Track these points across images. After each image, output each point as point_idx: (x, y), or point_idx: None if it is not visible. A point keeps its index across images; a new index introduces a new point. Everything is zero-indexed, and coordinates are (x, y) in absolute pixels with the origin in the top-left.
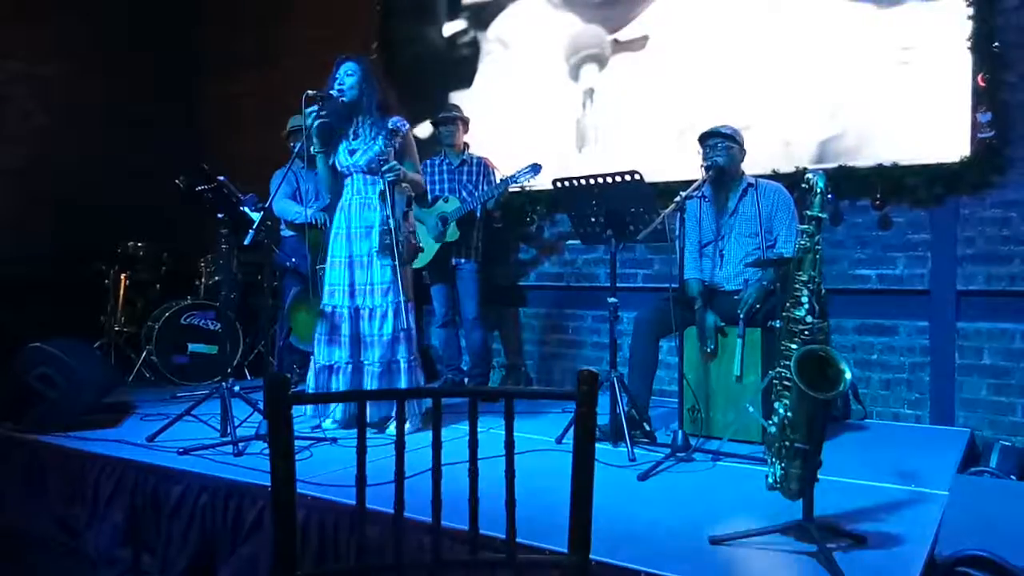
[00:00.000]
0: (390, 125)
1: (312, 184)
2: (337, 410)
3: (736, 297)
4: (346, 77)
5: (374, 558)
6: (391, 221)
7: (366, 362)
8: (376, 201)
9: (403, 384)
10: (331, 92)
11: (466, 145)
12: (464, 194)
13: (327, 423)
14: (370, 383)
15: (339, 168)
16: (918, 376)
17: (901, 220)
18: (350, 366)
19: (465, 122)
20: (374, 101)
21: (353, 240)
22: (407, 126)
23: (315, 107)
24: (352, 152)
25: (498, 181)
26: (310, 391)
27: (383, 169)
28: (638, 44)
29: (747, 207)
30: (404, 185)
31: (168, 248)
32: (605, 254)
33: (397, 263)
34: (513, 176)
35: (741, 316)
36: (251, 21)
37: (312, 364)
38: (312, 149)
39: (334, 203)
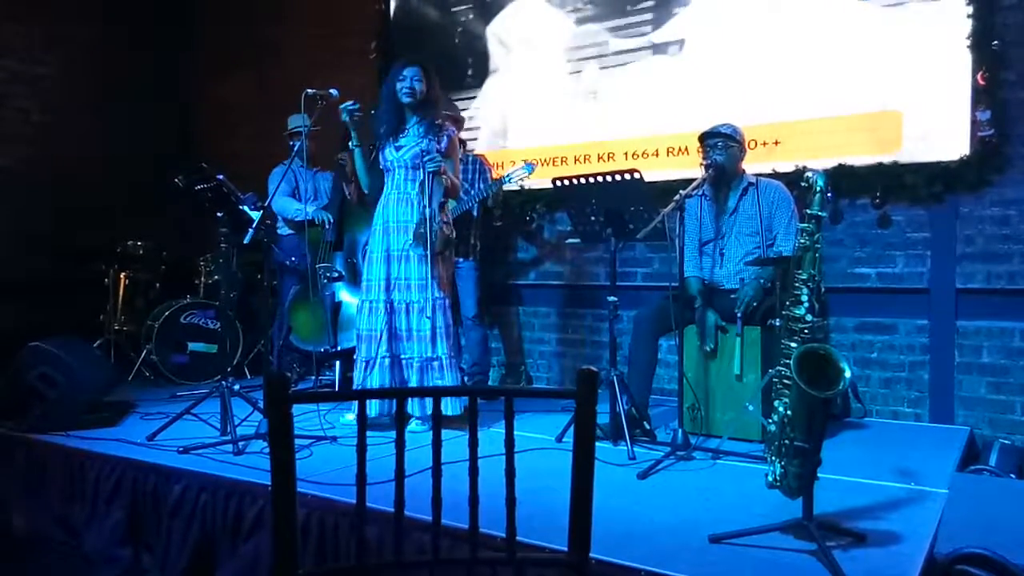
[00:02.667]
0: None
1: (311, 183)
2: (372, 407)
3: (734, 296)
4: (415, 82)
5: (374, 556)
6: (427, 211)
7: (403, 356)
8: (415, 196)
9: (446, 381)
10: (332, 91)
11: (462, 143)
12: (460, 193)
13: (346, 418)
14: (411, 378)
15: (383, 164)
16: (918, 374)
17: (900, 218)
18: (387, 360)
19: (458, 120)
20: (430, 103)
21: (391, 235)
22: (454, 131)
23: (354, 104)
24: (399, 148)
25: (493, 179)
26: (356, 386)
27: (425, 159)
28: (673, 47)
29: (748, 206)
30: (444, 177)
31: (168, 247)
32: (605, 253)
33: (428, 252)
34: (508, 174)
35: (739, 314)
36: (249, 20)
37: (355, 359)
38: (350, 143)
39: (375, 198)
